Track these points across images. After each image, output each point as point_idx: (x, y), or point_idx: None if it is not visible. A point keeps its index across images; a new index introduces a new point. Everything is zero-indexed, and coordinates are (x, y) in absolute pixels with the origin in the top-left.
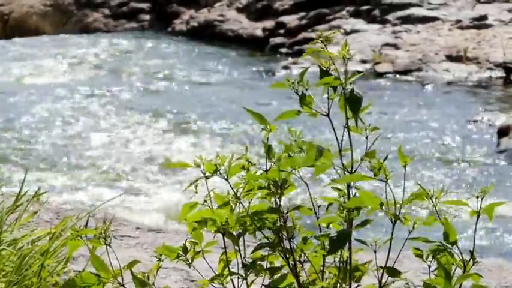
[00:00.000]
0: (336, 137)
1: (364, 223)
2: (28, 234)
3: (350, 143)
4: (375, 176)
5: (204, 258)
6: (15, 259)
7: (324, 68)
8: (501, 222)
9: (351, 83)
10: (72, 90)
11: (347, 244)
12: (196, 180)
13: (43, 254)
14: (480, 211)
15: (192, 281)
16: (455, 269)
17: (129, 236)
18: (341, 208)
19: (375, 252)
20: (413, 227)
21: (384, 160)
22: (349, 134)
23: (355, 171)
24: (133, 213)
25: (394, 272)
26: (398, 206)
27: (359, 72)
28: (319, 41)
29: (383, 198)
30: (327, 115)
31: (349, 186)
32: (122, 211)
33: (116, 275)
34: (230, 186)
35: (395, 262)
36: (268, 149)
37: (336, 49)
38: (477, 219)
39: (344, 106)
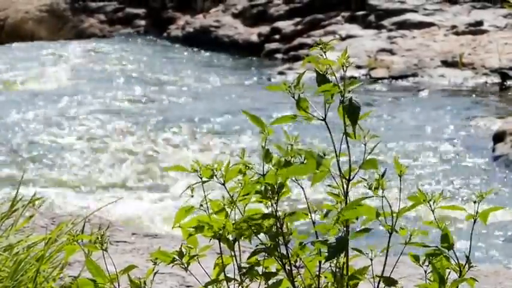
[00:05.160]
0: (333, 144)
1: (362, 232)
2: (24, 240)
3: (348, 151)
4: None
5: (199, 263)
6: (10, 264)
7: (321, 73)
8: (498, 227)
9: (349, 91)
10: (66, 96)
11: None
12: (192, 185)
13: (39, 260)
14: (477, 216)
15: (188, 286)
16: (449, 273)
17: (125, 242)
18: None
19: (371, 260)
20: (410, 238)
21: (382, 176)
22: (347, 142)
23: (352, 179)
24: (129, 218)
25: (390, 281)
26: (394, 216)
27: (354, 77)
28: (319, 48)
29: (380, 201)
30: (324, 119)
31: (346, 194)
32: (118, 216)
33: (112, 280)
34: (227, 191)
35: (392, 270)
36: (266, 153)
37: (332, 55)
38: (473, 224)
39: (343, 113)
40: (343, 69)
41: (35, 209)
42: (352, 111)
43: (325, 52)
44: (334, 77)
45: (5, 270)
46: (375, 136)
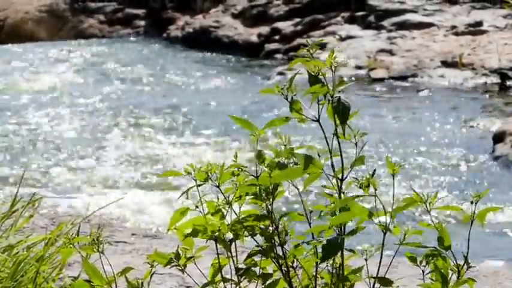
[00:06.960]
0: (327, 144)
1: (354, 231)
2: (23, 240)
3: (340, 151)
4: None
5: (195, 264)
6: (10, 265)
7: (312, 74)
8: (496, 228)
9: (339, 91)
10: (66, 95)
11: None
12: (188, 190)
13: (38, 260)
14: (474, 216)
15: (188, 287)
16: (452, 274)
17: (125, 242)
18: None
19: (366, 260)
20: (404, 237)
21: (372, 175)
22: (338, 141)
23: (345, 178)
24: (129, 218)
25: (386, 282)
26: (388, 215)
27: (352, 78)
28: (306, 50)
29: (375, 203)
30: (317, 120)
31: (340, 194)
32: (118, 217)
33: (110, 282)
34: (221, 192)
35: (387, 269)
36: (259, 154)
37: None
38: (471, 224)
39: (332, 114)
40: (331, 69)
41: (35, 209)
42: (341, 111)
43: (311, 54)
44: (327, 78)
45: (4, 270)
46: (364, 134)
